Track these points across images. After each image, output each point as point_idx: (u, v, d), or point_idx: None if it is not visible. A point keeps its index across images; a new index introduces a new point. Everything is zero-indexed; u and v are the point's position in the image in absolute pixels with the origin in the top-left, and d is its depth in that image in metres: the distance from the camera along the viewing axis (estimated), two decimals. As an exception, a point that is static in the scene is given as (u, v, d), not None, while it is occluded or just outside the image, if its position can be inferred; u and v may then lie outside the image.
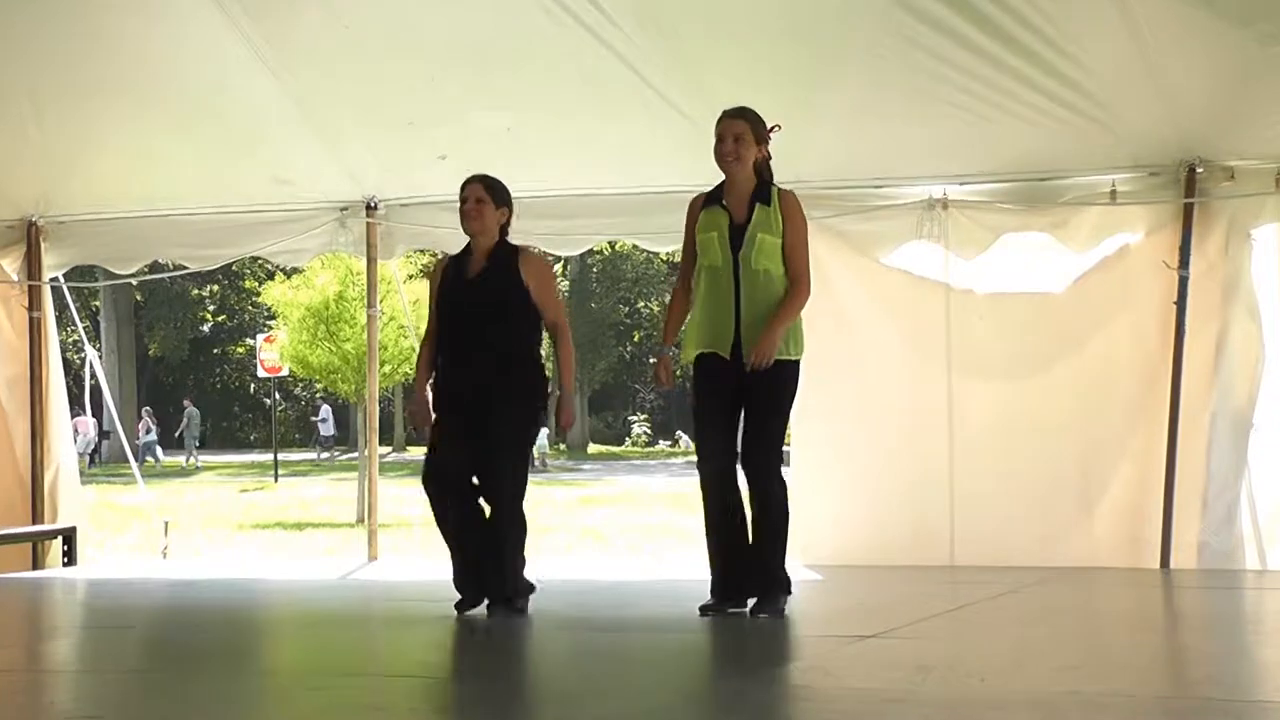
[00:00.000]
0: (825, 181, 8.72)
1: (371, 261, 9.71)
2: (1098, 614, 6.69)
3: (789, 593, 6.25)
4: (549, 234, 9.29)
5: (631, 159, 8.72)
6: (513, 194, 9.18)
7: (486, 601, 6.37)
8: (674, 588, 6.30)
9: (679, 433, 47.49)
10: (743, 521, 6.23)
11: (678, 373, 6.70)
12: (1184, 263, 8.16)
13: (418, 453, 46.04)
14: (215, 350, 54.78)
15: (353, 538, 13.50)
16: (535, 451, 34.90)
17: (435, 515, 6.42)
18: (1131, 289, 8.33)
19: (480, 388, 6.34)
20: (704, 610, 6.17)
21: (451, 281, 6.53)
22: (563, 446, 39.79)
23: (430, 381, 6.55)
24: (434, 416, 6.45)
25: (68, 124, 8.95)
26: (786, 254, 6.20)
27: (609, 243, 34.21)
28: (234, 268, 44.34)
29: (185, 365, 52.71)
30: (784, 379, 6.21)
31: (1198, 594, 7.46)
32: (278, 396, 38.32)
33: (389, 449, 42.31)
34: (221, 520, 17.28)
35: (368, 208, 9.44)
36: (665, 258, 40.14)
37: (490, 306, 6.39)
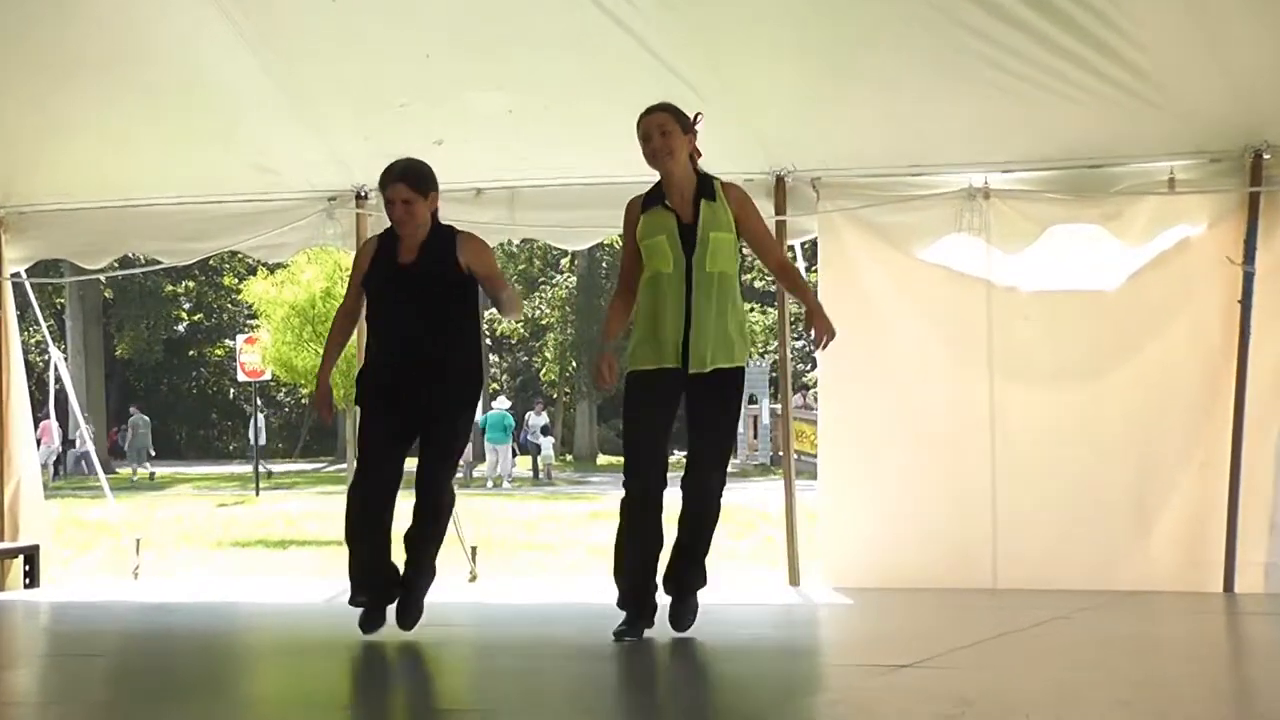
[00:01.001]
0: (854, 169, 8.71)
1: (361, 256, 9.70)
2: (1154, 643, 6.67)
3: (703, 586, 6.47)
4: (554, 226, 9.30)
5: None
6: (515, 182, 9.23)
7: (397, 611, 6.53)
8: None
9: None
10: (661, 541, 6.39)
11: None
12: (1249, 258, 8.13)
13: (410, 464, 45.90)
14: (191, 352, 54.87)
15: (341, 556, 13.48)
16: (540, 462, 35.02)
17: (350, 518, 6.56)
18: (1192, 286, 8.30)
19: (417, 382, 6.46)
20: (619, 636, 6.27)
21: (382, 267, 6.62)
22: (569, 458, 39.80)
23: (356, 373, 6.75)
24: (364, 415, 6.58)
25: (31, 107, 8.95)
26: (759, 247, 6.43)
27: (619, 235, 34.26)
28: (211, 263, 44.46)
29: (158, 368, 52.82)
30: (736, 387, 6.36)
31: (1264, 621, 7.44)
32: (259, 403, 38.36)
33: (380, 460, 42.25)
34: (198, 537, 17.29)
35: (357, 197, 9.44)
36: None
37: (427, 296, 6.50)
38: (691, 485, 6.34)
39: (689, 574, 6.44)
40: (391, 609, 6.59)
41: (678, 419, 6.45)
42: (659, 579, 6.44)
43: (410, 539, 6.61)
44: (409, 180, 6.61)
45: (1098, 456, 8.40)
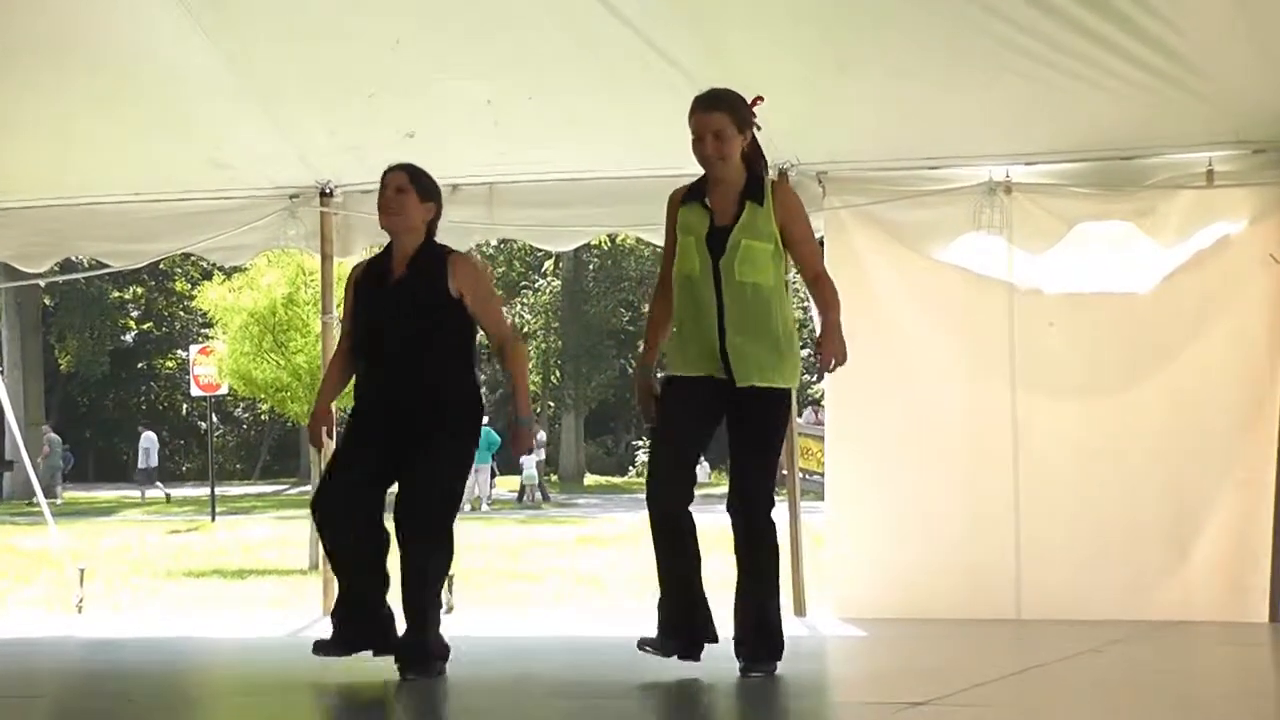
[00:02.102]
0: (865, 162, 8.73)
1: (326, 259, 9.71)
2: (1195, 678, 6.68)
3: (781, 654, 6.31)
4: (537, 225, 9.30)
5: (634, 137, 8.73)
6: (494, 179, 9.22)
7: (396, 657, 6.44)
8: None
9: (700, 459, 47.49)
10: (697, 557, 6.34)
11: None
12: (1293, 257, 8.17)
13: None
14: (140, 364, 54.86)
15: (303, 587, 13.47)
16: (525, 481, 35.00)
17: (323, 544, 6.63)
18: (1232, 288, 8.33)
19: (404, 415, 6.44)
20: (644, 644, 6.26)
21: (369, 289, 6.62)
22: (553, 478, 39.83)
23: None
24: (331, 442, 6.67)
25: (-36, 97, 8.95)
26: (797, 255, 6.35)
27: (608, 235, 34.23)
28: (162, 266, 44.44)
29: (104, 382, 52.76)
30: (782, 409, 6.34)
31: (1312, 653, 7.46)
32: (215, 420, 38.32)
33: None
34: (147, 567, 17.27)
35: (321, 195, 9.44)
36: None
37: (414, 318, 6.47)
38: (733, 515, 6.32)
39: (756, 641, 6.26)
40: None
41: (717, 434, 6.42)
42: (707, 608, 6.38)
43: (404, 600, 6.46)
44: (409, 171, 6.65)
45: (1129, 474, 8.41)
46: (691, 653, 6.29)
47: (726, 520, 6.34)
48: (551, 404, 47.10)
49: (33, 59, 8.61)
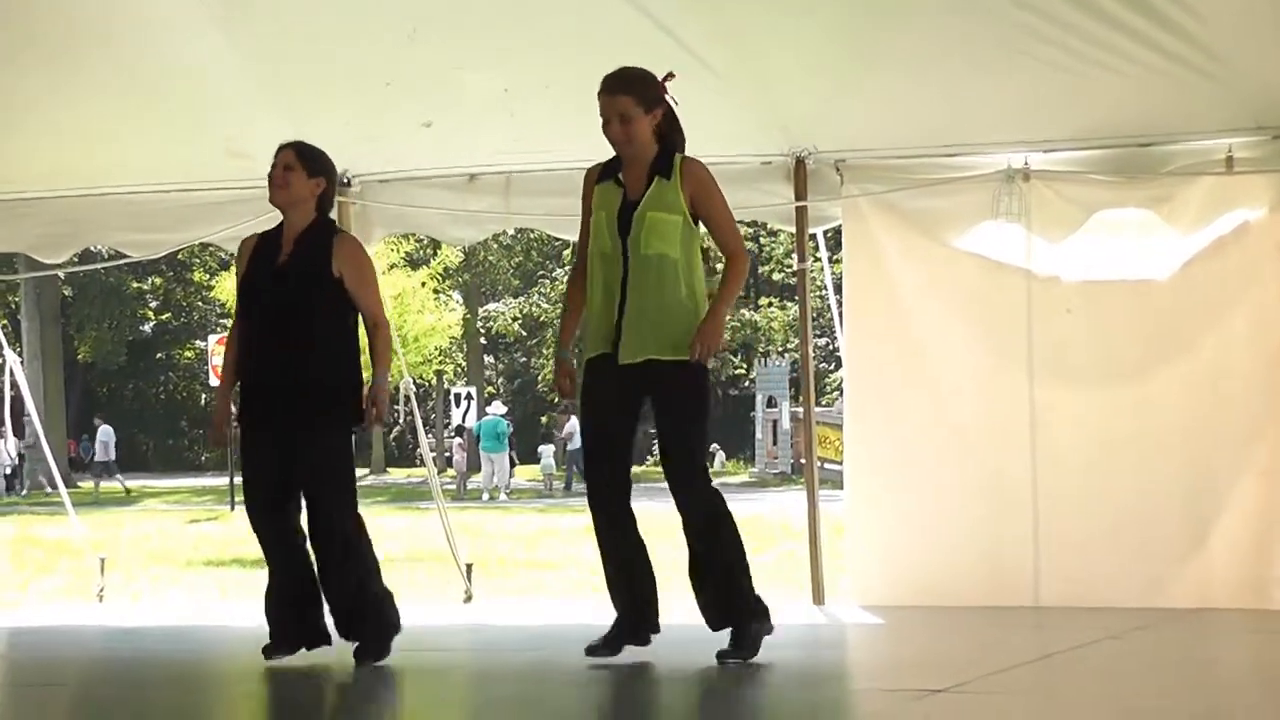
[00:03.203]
0: (882, 149, 8.71)
1: (344, 248, 9.71)
2: (1215, 666, 6.67)
3: (768, 621, 6.30)
4: (552, 214, 9.29)
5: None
6: (511, 168, 9.21)
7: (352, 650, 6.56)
8: (695, 634, 6.33)
9: (715, 447, 47.54)
10: (640, 552, 6.36)
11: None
12: (1314, 243, 8.14)
13: (399, 474, 46.12)
14: (158, 355, 55.00)
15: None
16: (540, 472, 35.05)
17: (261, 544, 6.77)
18: (1251, 276, 8.30)
19: (285, 397, 6.52)
20: (590, 650, 6.27)
21: (256, 267, 6.67)
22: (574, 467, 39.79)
23: (235, 386, 6.78)
24: (235, 428, 6.71)
25: (-17, 87, 8.96)
26: (712, 230, 6.35)
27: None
28: (180, 257, 44.55)
29: (122, 372, 52.95)
30: (693, 379, 6.26)
31: (1332, 640, 7.43)
32: (234, 409, 38.38)
33: (366, 471, 42.40)
34: (167, 557, 17.30)
35: (340, 184, 9.43)
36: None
37: (297, 298, 6.54)
38: (674, 499, 6.30)
39: (719, 599, 6.26)
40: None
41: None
42: (653, 594, 6.40)
43: (325, 585, 6.63)
44: (296, 148, 6.74)
45: (1148, 462, 8.39)
46: (641, 638, 6.33)
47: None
48: (569, 393, 47.08)
49: (52, 51, 8.62)
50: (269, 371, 6.57)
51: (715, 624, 6.30)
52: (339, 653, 6.59)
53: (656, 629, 6.38)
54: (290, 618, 6.66)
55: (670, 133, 6.37)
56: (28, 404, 10.99)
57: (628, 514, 6.34)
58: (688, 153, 6.43)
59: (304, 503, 6.60)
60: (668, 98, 6.38)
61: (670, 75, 6.39)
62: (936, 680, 5.81)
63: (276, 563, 6.72)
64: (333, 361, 6.57)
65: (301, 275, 6.56)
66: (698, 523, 6.28)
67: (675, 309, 6.23)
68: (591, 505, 6.37)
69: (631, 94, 6.28)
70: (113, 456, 38.28)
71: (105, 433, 38.11)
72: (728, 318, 6.44)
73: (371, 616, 6.61)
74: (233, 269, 16.86)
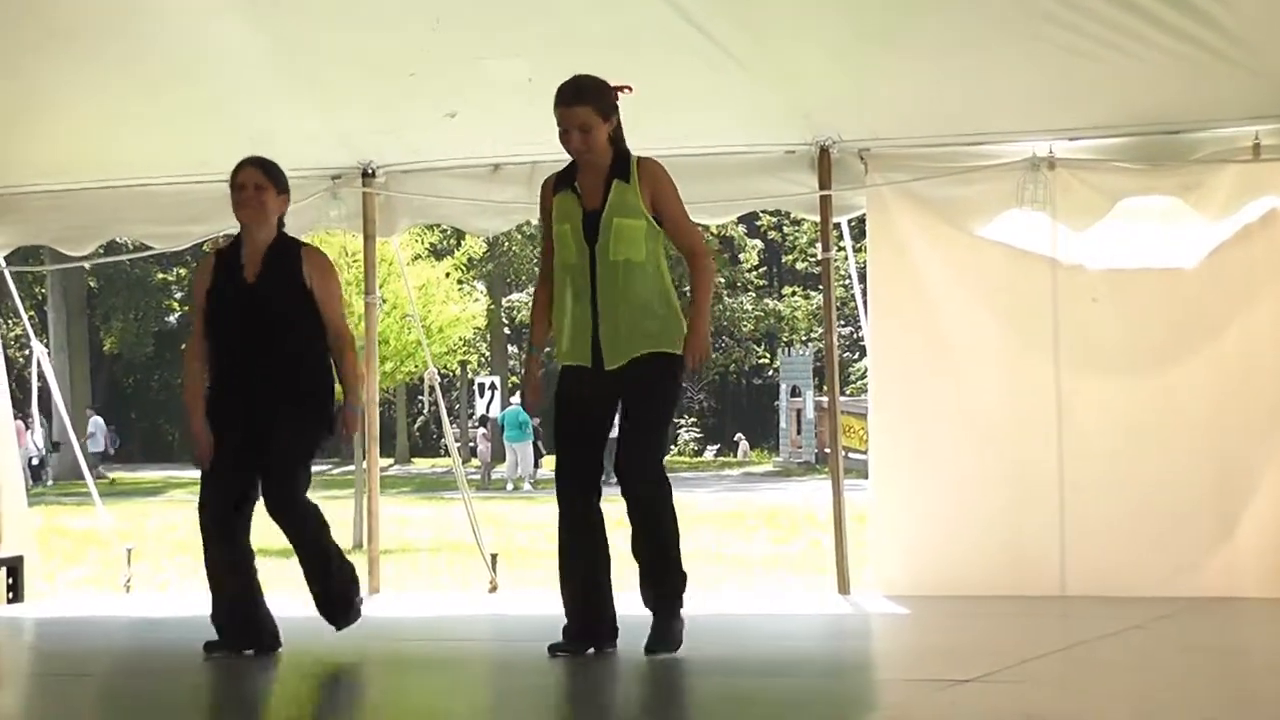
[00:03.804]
0: (906, 139, 8.70)
1: (369, 239, 9.73)
2: (1242, 655, 6.65)
3: (682, 624, 6.28)
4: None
5: (674, 116, 8.69)
6: (535, 157, 9.21)
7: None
8: (725, 624, 6.32)
9: (739, 437, 47.51)
10: (604, 551, 6.36)
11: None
12: (1342, 231, 8.12)
13: (424, 465, 46.18)
14: (184, 346, 55.03)
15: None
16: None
17: (204, 550, 6.85)
18: (1278, 263, 8.27)
19: (260, 409, 6.57)
20: (554, 650, 6.29)
21: (223, 286, 6.73)
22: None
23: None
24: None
25: (9, 81, 8.98)
26: (671, 230, 6.36)
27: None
28: (205, 248, 44.49)
29: (148, 363, 53.07)
30: (665, 375, 6.29)
31: (1361, 629, 7.41)
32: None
33: (391, 461, 42.50)
34: (193, 547, 17.34)
35: (364, 175, 9.45)
36: (716, 231, 40.13)
37: (271, 314, 6.62)
38: (622, 489, 6.31)
39: (657, 585, 6.30)
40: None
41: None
42: (607, 595, 6.41)
43: (303, 561, 6.84)
44: (263, 166, 6.77)
45: (1175, 450, 8.37)
46: (602, 645, 6.34)
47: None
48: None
49: (76, 43, 8.63)
50: (243, 384, 6.64)
51: (646, 603, 6.33)
52: (361, 645, 6.59)
53: (606, 633, 6.35)
54: (233, 618, 6.75)
55: (620, 138, 6.41)
56: (55, 395, 11.01)
57: (596, 513, 6.38)
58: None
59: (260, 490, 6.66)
60: (617, 103, 6.39)
61: (626, 87, 6.42)
62: (962, 670, 5.80)
63: (217, 569, 6.82)
64: (307, 371, 6.68)
65: (276, 290, 6.65)
66: (643, 523, 6.29)
67: (647, 309, 6.26)
68: (560, 499, 6.38)
69: (590, 104, 6.30)
70: (103, 448, 38.23)
71: (95, 424, 38.09)
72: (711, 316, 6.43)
73: (334, 583, 6.79)
74: None
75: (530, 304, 6.82)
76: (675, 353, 6.27)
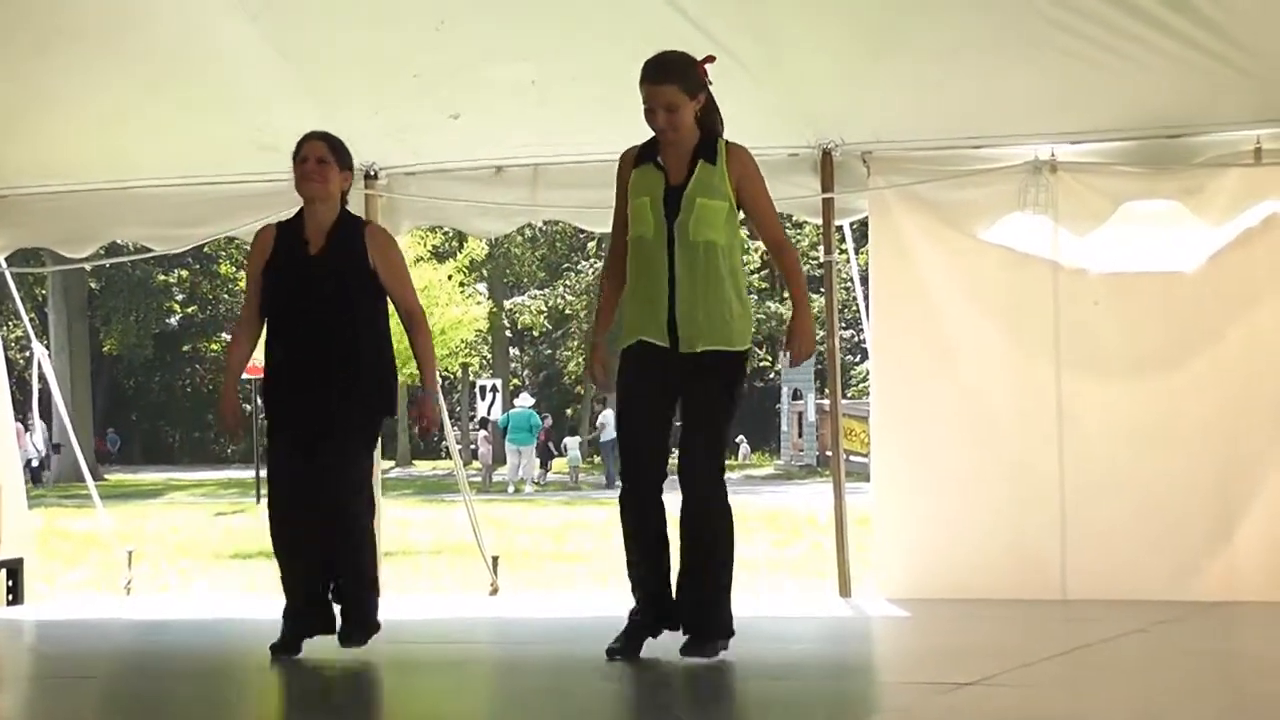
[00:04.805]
0: (908, 141, 8.70)
1: (370, 241, 9.72)
2: (1244, 659, 6.65)
3: (730, 635, 6.17)
4: (580, 206, 9.30)
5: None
6: (538, 160, 9.23)
7: (339, 632, 6.54)
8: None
9: (740, 439, 47.50)
10: (666, 546, 6.26)
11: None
12: (1344, 235, 8.12)
13: (425, 466, 46.17)
14: (185, 347, 55.15)
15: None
16: (567, 465, 35.07)
17: (274, 536, 6.64)
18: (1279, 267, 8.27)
19: (323, 389, 6.46)
20: (611, 653, 6.19)
21: (284, 259, 6.58)
22: (596, 459, 39.86)
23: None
24: (269, 430, 6.60)
25: (10, 81, 8.99)
26: (757, 221, 6.27)
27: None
28: (206, 250, 44.64)
29: (149, 365, 53.12)
30: (733, 373, 6.19)
31: (1363, 633, 7.41)
32: (259, 402, 38.46)
33: (392, 463, 42.49)
34: (195, 549, 17.37)
35: (366, 177, 9.45)
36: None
37: (336, 291, 6.50)
38: (682, 488, 6.20)
39: (699, 615, 6.15)
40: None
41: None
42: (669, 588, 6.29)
43: (334, 565, 6.59)
44: (328, 141, 6.70)
45: (1176, 454, 8.37)
46: (657, 630, 6.26)
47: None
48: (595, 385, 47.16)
49: (78, 44, 8.64)
50: (301, 364, 6.51)
51: (685, 605, 6.20)
52: (369, 649, 6.59)
53: (675, 624, 6.26)
54: (310, 608, 6.62)
55: (710, 116, 6.27)
56: (55, 396, 11.02)
57: (659, 504, 6.25)
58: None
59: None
60: (707, 81, 6.26)
61: (710, 58, 6.30)
62: (963, 674, 5.80)
63: (295, 558, 6.64)
64: (371, 353, 6.57)
65: (339, 268, 6.53)
66: (697, 524, 6.15)
67: (723, 297, 6.15)
68: (624, 492, 6.26)
69: (676, 82, 6.16)
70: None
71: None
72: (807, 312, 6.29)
73: (363, 601, 6.58)
74: None
75: (597, 291, 6.73)
76: (745, 350, 6.19)
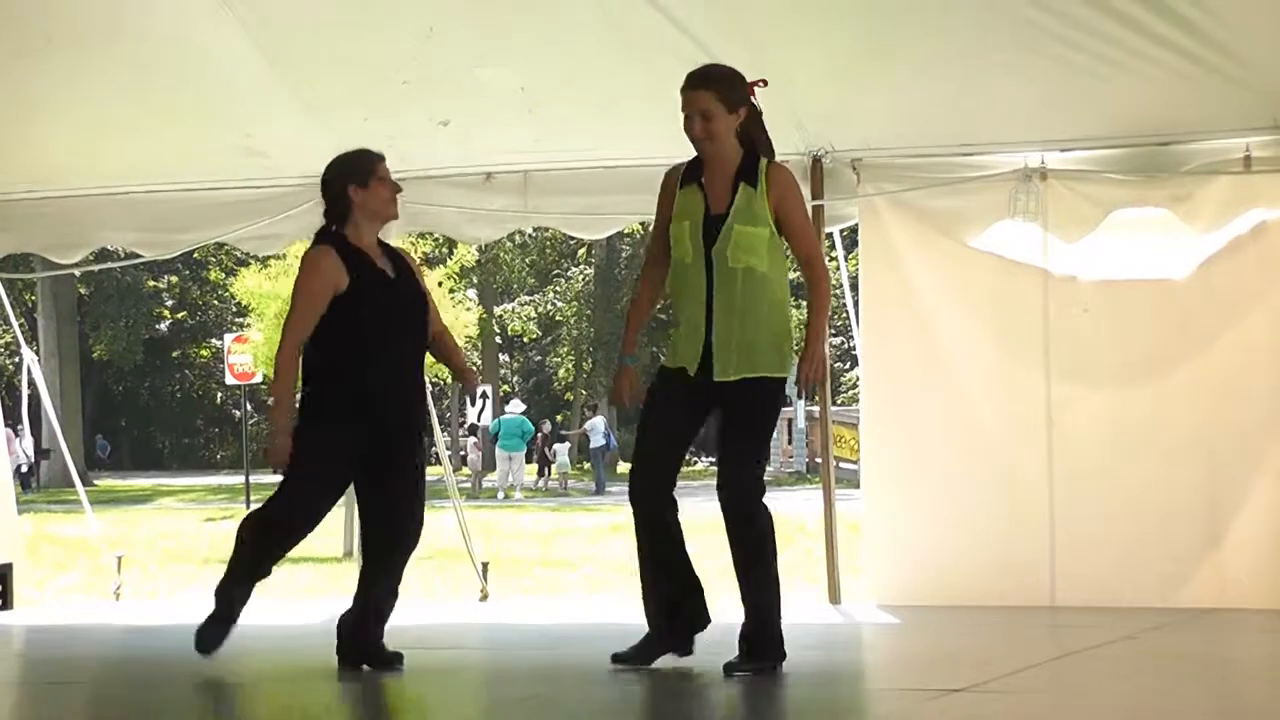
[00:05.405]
0: (898, 149, 8.70)
1: (360, 247, 9.71)
2: (1231, 666, 6.66)
3: (782, 658, 6.11)
4: (570, 213, 9.30)
5: (668, 124, 8.66)
6: (527, 166, 9.23)
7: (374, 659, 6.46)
8: (715, 633, 6.31)
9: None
10: (680, 556, 6.23)
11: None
12: (1332, 243, 8.13)
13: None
14: (174, 353, 55.08)
15: (340, 574, 13.53)
16: (554, 470, 35.06)
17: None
18: (1269, 274, 8.27)
19: (407, 414, 6.44)
20: (617, 658, 6.17)
21: (364, 277, 6.39)
22: (586, 466, 39.88)
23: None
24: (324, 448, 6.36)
25: (-1, 86, 8.98)
26: (790, 235, 6.14)
27: (641, 224, 34.11)
28: (196, 256, 44.57)
29: (138, 371, 53.03)
30: (768, 398, 6.14)
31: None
32: (249, 408, 38.39)
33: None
34: (184, 555, 17.34)
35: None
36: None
37: (415, 312, 6.47)
38: (725, 504, 6.15)
39: (753, 636, 6.06)
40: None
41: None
42: (687, 597, 6.28)
43: (389, 573, 6.55)
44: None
45: (1165, 462, 8.37)
46: (683, 646, 6.21)
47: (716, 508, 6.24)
48: (584, 391, 47.14)
49: (69, 50, 8.63)
50: (402, 392, 6.42)
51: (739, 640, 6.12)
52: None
53: (687, 636, 6.23)
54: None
55: (755, 137, 6.19)
56: (45, 402, 11.01)
57: (671, 514, 6.23)
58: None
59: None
60: (754, 101, 6.20)
61: (762, 81, 6.23)
62: (952, 680, 5.80)
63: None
64: (422, 377, 6.58)
65: (411, 287, 6.49)
66: (743, 540, 6.13)
67: (762, 325, 6.09)
68: (635, 502, 6.23)
69: (713, 90, 6.11)
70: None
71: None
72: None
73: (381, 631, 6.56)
74: (251, 267, 16.34)
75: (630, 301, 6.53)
76: (783, 376, 6.13)
